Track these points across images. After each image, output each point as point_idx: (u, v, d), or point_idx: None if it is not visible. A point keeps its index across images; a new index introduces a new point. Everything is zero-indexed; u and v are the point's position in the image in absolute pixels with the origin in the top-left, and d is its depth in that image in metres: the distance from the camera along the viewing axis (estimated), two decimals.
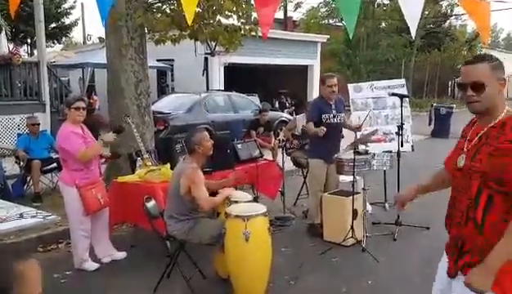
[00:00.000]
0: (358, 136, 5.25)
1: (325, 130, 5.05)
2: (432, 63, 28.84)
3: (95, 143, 4.49)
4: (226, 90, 13.79)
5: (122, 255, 4.71)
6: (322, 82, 5.44)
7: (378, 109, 6.60)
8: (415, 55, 26.68)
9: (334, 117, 5.32)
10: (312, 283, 4.19)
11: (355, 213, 5.02)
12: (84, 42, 26.13)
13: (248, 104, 12.12)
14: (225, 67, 15.83)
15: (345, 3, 3.84)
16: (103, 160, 5.03)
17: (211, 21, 6.85)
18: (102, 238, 4.67)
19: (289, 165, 6.63)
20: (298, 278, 4.25)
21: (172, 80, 16.53)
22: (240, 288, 3.80)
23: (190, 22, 3.59)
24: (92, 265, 4.45)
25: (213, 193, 4.16)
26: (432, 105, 15.32)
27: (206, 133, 4.12)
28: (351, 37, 4.55)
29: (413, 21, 3.38)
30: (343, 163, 5.08)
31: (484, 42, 4.23)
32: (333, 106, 5.35)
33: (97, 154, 4.55)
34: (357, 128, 5.42)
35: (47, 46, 12.64)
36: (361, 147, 5.13)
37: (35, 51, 16.57)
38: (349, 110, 6.60)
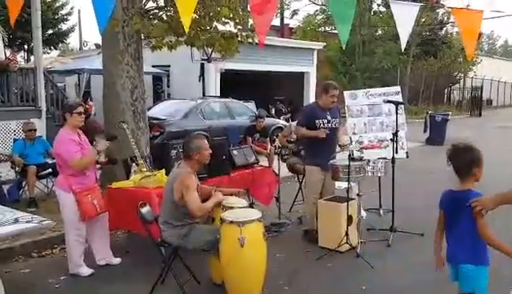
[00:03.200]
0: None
1: (326, 131, 5.12)
2: (428, 70, 28.96)
3: (89, 151, 4.49)
4: (222, 96, 13.81)
5: (117, 261, 4.71)
6: (325, 90, 5.38)
7: (373, 115, 6.62)
8: (412, 63, 26.82)
9: (328, 122, 5.34)
10: (307, 289, 4.19)
11: (350, 219, 5.04)
12: (81, 48, 26.15)
13: (244, 111, 12.15)
14: (221, 73, 15.85)
15: (339, 12, 3.90)
16: (98, 166, 5.02)
17: (208, 28, 6.91)
18: (101, 241, 4.66)
19: (284, 171, 6.64)
20: (293, 284, 4.26)
21: (168, 86, 16.53)
22: None
23: (187, 29, 3.63)
24: (86, 271, 4.44)
25: (204, 200, 4.17)
26: (427, 113, 15.36)
27: (206, 141, 4.09)
28: (344, 47, 4.59)
29: (404, 29, 3.42)
30: (339, 170, 5.09)
31: (469, 57, 4.27)
32: (327, 112, 5.37)
33: (92, 162, 4.54)
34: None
35: (43, 53, 12.62)
36: (356, 153, 5.16)
37: (32, 57, 16.55)
38: (345, 116, 6.63)
